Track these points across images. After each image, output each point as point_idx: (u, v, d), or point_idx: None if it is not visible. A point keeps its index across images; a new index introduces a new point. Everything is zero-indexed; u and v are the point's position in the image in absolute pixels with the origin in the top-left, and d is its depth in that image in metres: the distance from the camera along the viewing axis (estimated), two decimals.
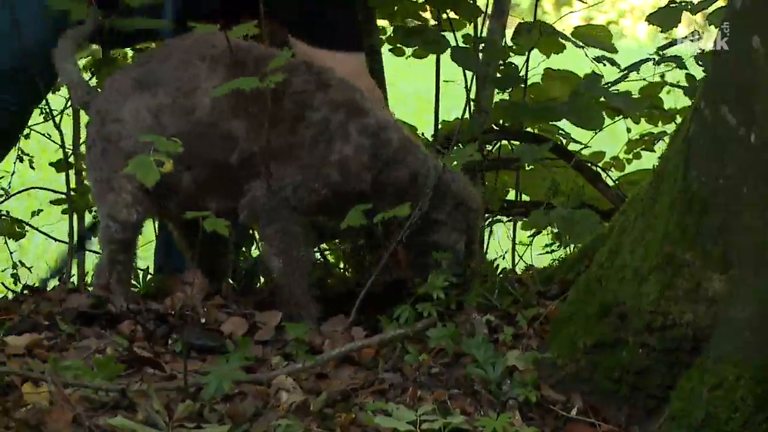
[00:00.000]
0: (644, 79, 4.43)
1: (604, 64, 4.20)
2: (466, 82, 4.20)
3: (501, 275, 3.71)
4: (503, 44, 4.31)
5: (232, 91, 3.13)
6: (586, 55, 4.27)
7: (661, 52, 4.14)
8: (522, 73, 4.20)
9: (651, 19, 4.05)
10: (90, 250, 4.14)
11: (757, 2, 2.66)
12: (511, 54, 4.19)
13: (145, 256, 4.13)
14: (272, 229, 3.36)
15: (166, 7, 3.82)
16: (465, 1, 4.12)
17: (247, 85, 3.05)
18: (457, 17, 4.19)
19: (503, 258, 4.13)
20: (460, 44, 4.11)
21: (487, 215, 4.02)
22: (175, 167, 2.93)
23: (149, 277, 3.87)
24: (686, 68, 4.13)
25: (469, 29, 4.22)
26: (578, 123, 3.94)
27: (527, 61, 4.14)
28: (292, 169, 3.38)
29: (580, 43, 4.18)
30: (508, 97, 4.26)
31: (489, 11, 4.43)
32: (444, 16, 4.15)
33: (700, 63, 4.03)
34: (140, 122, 3.28)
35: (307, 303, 3.37)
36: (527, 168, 4.12)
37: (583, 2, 4.73)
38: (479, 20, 4.26)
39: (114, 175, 3.24)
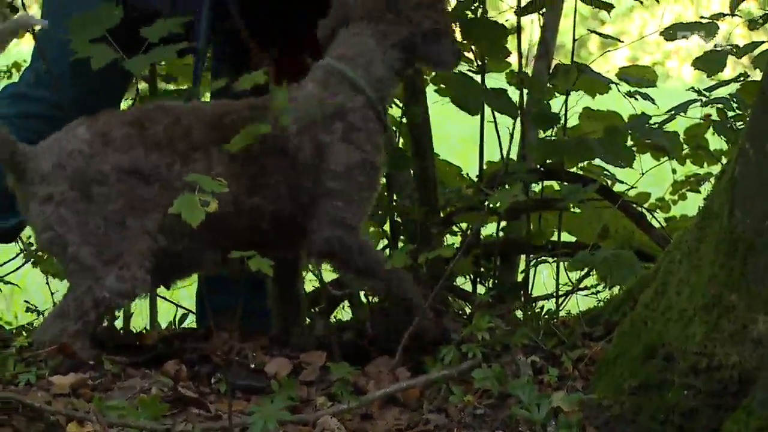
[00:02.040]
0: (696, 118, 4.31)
1: (637, 98, 4.09)
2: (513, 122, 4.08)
3: (546, 316, 3.71)
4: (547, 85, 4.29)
5: (242, 164, 3.15)
6: (623, 94, 4.13)
7: (707, 94, 4.02)
8: (561, 113, 4.12)
9: (697, 63, 4.05)
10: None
11: None
12: (555, 94, 4.17)
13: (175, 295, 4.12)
14: (358, 261, 3.28)
15: (198, 31, 3.71)
16: (504, 46, 4.04)
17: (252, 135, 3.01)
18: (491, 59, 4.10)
19: (548, 299, 4.07)
20: (503, 85, 4.02)
21: (532, 256, 4.04)
22: (196, 246, 3.07)
23: (182, 313, 4.03)
24: (734, 110, 4.00)
25: (513, 66, 4.14)
26: (609, 159, 3.92)
27: (566, 101, 4.08)
28: (339, 199, 3.30)
29: (616, 81, 4.09)
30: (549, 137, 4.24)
31: (534, 52, 4.44)
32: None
33: (736, 104, 4.00)
34: None
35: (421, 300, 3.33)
36: (572, 209, 4.03)
37: (620, 41, 4.75)
38: (523, 61, 4.22)
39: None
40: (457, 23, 3.94)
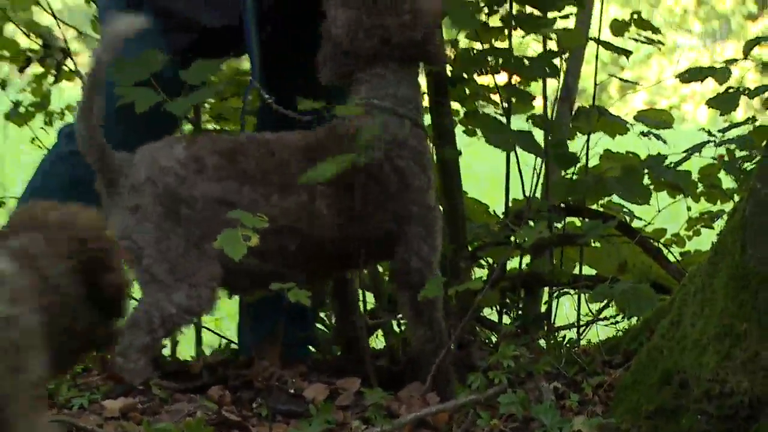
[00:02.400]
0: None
1: (651, 139, 4.12)
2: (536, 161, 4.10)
3: (567, 345, 3.77)
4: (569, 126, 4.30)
5: (343, 193, 3.21)
6: (638, 135, 4.16)
7: (719, 135, 4.08)
8: (582, 154, 4.17)
9: (711, 103, 4.06)
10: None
11: None
12: (577, 135, 4.21)
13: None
14: (419, 297, 3.27)
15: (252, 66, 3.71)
16: (527, 93, 4.10)
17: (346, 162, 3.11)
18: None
19: (570, 329, 4.11)
20: (528, 127, 4.04)
21: (554, 288, 4.04)
22: (286, 267, 3.10)
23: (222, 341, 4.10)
24: (747, 149, 4.02)
25: (538, 109, 4.16)
26: (627, 197, 3.94)
27: (587, 142, 4.13)
28: (421, 226, 3.40)
29: (634, 123, 4.10)
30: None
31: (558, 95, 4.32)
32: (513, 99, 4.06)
33: (746, 145, 4.06)
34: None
35: (451, 373, 3.36)
36: (593, 244, 4.08)
37: (638, 85, 4.76)
38: (549, 103, 4.19)
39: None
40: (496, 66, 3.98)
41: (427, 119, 3.83)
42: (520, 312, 3.99)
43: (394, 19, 3.36)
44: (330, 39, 3.39)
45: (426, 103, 3.82)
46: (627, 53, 4.14)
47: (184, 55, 3.64)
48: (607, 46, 4.09)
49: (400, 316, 3.94)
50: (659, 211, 4.11)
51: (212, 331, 4.36)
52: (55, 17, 5.32)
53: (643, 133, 3.96)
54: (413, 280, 3.23)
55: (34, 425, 2.26)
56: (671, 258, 4.04)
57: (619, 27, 4.21)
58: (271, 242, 3.02)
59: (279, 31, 3.75)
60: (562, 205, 4.01)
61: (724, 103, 4.02)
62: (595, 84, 4.33)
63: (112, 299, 2.50)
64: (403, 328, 3.99)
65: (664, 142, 3.97)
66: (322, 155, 3.24)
